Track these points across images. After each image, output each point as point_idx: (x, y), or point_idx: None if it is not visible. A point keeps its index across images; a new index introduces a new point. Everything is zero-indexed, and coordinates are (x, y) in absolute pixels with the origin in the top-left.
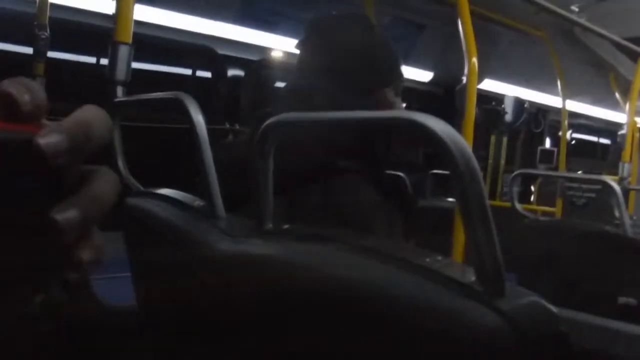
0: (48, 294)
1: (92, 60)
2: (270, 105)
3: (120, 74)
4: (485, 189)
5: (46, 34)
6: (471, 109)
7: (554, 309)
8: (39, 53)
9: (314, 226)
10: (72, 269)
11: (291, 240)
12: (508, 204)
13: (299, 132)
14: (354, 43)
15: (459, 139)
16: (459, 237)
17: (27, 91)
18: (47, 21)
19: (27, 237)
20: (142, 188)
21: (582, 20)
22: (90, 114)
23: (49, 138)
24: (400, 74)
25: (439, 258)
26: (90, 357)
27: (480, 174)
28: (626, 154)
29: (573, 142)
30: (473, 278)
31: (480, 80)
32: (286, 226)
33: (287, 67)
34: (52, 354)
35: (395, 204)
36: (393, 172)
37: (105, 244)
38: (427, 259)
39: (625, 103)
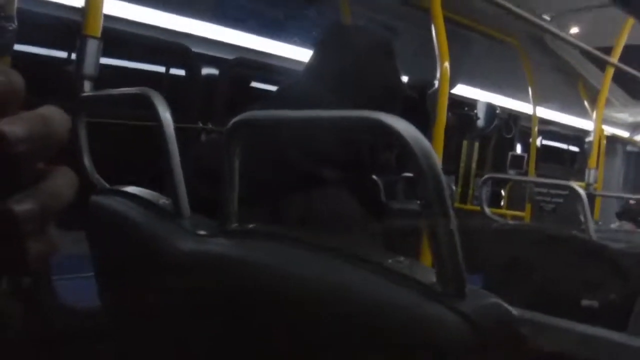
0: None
1: (61, 54)
2: (251, 105)
3: (89, 68)
4: (457, 193)
5: (13, 25)
6: (442, 113)
7: (513, 310)
8: (6, 46)
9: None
10: (24, 264)
11: (255, 240)
12: (478, 208)
13: (282, 139)
14: (373, 62)
15: (422, 140)
16: (427, 244)
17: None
18: (14, 12)
19: None
20: (107, 186)
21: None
22: (49, 112)
23: (11, 124)
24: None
25: (402, 259)
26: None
27: (441, 175)
28: (592, 160)
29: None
30: (434, 279)
31: (453, 86)
32: (251, 226)
33: (262, 66)
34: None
35: (368, 209)
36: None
37: (59, 241)
38: (390, 260)
39: (593, 111)
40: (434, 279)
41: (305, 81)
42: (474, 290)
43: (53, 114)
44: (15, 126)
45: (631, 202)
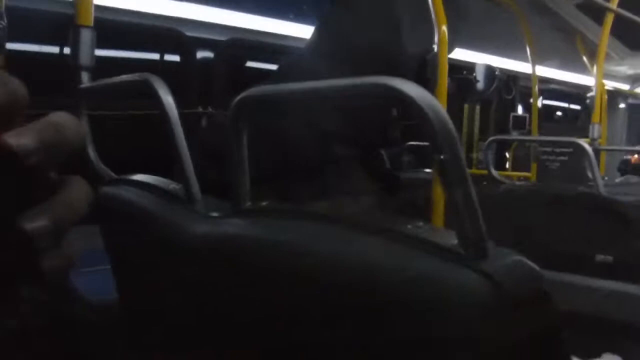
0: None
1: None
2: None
3: (85, 58)
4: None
5: (3, 22)
6: (443, 78)
7: (536, 267)
8: None
9: None
10: (38, 281)
11: (270, 218)
12: (484, 171)
13: (292, 119)
14: (376, 50)
15: (435, 104)
16: (438, 208)
17: (1, 85)
18: (3, 9)
19: None
20: (115, 176)
21: None
22: (60, 118)
23: (20, 136)
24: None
25: (421, 224)
26: (73, 353)
27: (457, 137)
28: (596, 115)
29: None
30: (455, 242)
31: (450, 50)
32: (264, 203)
33: (257, 45)
34: (32, 351)
35: (378, 181)
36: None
37: (76, 254)
38: (409, 226)
39: (592, 66)
40: (455, 241)
41: (309, 57)
42: (497, 250)
43: (64, 121)
44: (25, 138)
45: (633, 158)
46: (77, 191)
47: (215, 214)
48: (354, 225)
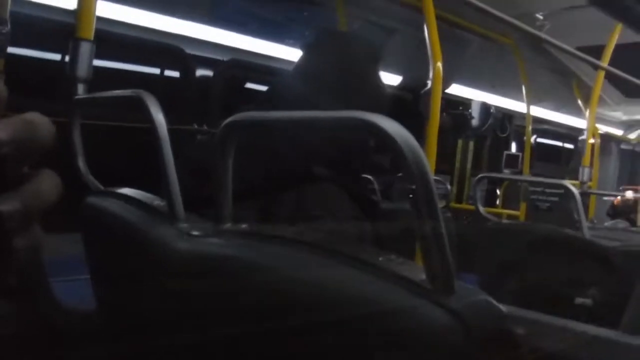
0: None
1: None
2: (245, 106)
3: (82, 71)
4: (452, 193)
5: (6, 28)
6: (436, 113)
7: (501, 307)
8: None
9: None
10: (10, 261)
11: (249, 240)
12: (473, 207)
13: (275, 137)
14: (360, 67)
15: (411, 141)
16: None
17: None
18: (7, 15)
19: None
20: (101, 187)
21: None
22: (33, 117)
23: None
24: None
25: (393, 257)
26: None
27: (430, 175)
28: (586, 159)
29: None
30: (423, 276)
31: (447, 85)
32: (244, 226)
33: (257, 67)
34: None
35: (359, 207)
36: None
37: (43, 240)
38: (381, 258)
39: (587, 110)
40: (422, 276)
41: (293, 84)
42: (463, 287)
43: (37, 120)
44: None
45: (616, 199)
46: (47, 181)
47: (196, 233)
48: (329, 252)
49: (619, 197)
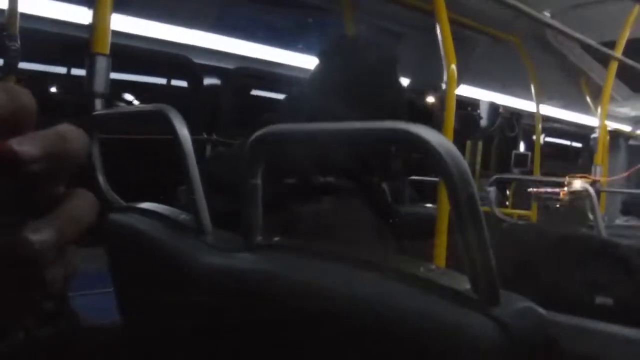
0: (24, 328)
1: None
2: (259, 117)
3: (99, 86)
4: None
5: (17, 45)
6: (450, 115)
7: (544, 313)
8: (10, 65)
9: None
10: (42, 293)
11: (281, 254)
12: (486, 209)
13: (294, 149)
14: (377, 74)
15: (451, 148)
16: (441, 243)
17: (8, 97)
18: (17, 32)
19: None
20: (124, 203)
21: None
22: (66, 130)
23: (24, 143)
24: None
25: (433, 267)
26: None
27: (473, 182)
28: (598, 156)
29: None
30: (467, 286)
31: (456, 86)
32: (276, 239)
33: (265, 75)
34: None
35: (380, 215)
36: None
37: (79, 266)
38: (421, 268)
39: (596, 107)
40: (467, 285)
41: (311, 92)
42: (507, 295)
43: (70, 132)
44: (28, 145)
45: (562, 192)
46: (83, 204)
47: (226, 247)
48: (366, 265)
49: (565, 189)
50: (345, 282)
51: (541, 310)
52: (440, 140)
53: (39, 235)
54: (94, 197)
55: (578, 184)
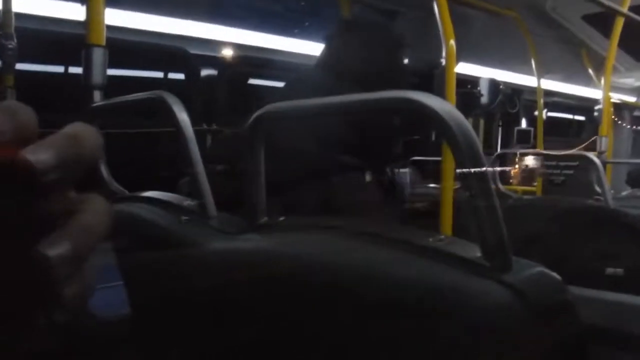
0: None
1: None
2: (262, 100)
3: (97, 77)
4: None
5: (13, 43)
6: (451, 92)
7: (559, 278)
8: (8, 64)
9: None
10: (57, 309)
11: (288, 232)
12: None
13: (299, 129)
14: (386, 57)
15: (459, 117)
16: (446, 223)
17: (9, 119)
18: (13, 30)
19: (8, 274)
20: (127, 192)
21: None
22: (79, 130)
23: (38, 152)
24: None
25: (442, 237)
26: None
27: (480, 148)
28: (603, 128)
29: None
30: (478, 254)
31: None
32: (281, 218)
33: (261, 62)
34: None
35: (385, 193)
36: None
37: (96, 280)
38: (430, 239)
39: (598, 79)
40: (477, 253)
41: (318, 77)
42: (519, 261)
43: (82, 132)
44: (42, 153)
45: (514, 170)
46: (99, 212)
47: (231, 230)
48: (375, 238)
49: (516, 167)
50: (351, 256)
51: (554, 274)
52: (446, 108)
53: (55, 249)
54: (108, 203)
55: (530, 160)
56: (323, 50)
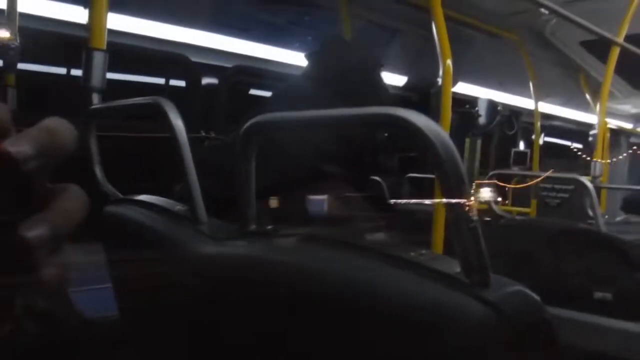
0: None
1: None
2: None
3: (96, 80)
4: None
5: (16, 43)
6: (447, 111)
7: (536, 296)
8: (9, 63)
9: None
10: (36, 290)
11: (275, 240)
12: (484, 205)
13: (286, 138)
14: (362, 72)
15: (442, 134)
16: (438, 239)
17: None
18: (16, 30)
19: None
20: (120, 195)
21: (552, 23)
22: (54, 123)
23: (17, 143)
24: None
25: (424, 252)
26: None
27: (462, 167)
28: (598, 153)
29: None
30: (458, 270)
31: (454, 84)
32: (269, 227)
33: (261, 73)
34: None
35: (370, 205)
36: (371, 177)
37: (72, 262)
38: (412, 253)
39: (595, 104)
40: (457, 269)
41: (299, 91)
42: (498, 279)
43: (58, 125)
44: (21, 145)
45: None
46: (75, 199)
47: (221, 235)
48: (360, 249)
49: (472, 199)
50: (336, 265)
51: (532, 294)
52: (428, 124)
53: (34, 231)
54: (84, 191)
55: (485, 192)
56: (307, 65)
